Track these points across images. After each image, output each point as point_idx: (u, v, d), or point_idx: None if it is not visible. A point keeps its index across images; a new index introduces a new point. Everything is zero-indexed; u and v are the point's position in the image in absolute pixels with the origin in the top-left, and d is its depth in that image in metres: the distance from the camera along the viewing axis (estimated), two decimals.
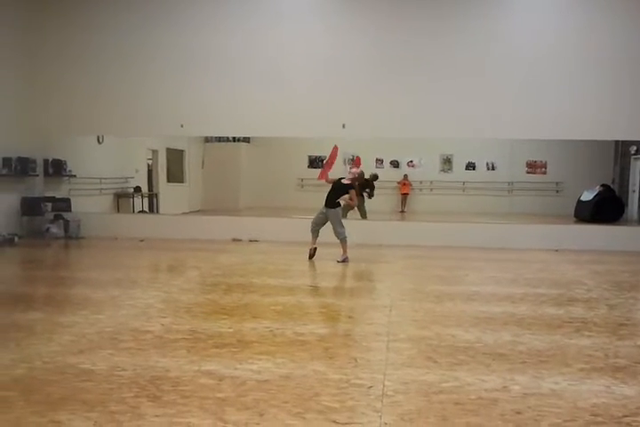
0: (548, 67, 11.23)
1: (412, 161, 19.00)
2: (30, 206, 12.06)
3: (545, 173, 18.52)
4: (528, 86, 11.30)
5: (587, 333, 5.06)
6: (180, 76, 12.01)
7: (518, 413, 3.30)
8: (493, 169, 18.73)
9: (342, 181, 9.17)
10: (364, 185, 13.12)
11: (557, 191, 18.01)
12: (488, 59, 11.39)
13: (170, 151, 17.21)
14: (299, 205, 14.33)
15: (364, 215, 13.30)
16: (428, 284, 7.43)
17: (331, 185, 9.23)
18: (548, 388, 3.68)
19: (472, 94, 11.36)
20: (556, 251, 10.75)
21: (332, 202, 9.08)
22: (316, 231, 9.24)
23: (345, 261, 8.93)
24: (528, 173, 18.54)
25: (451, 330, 5.04)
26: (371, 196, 13.93)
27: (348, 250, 9.05)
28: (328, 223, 9.12)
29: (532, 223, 12.89)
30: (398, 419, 3.18)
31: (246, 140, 18.70)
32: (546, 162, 18.49)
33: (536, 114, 11.23)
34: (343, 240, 9.07)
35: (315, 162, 18.65)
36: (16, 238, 11.08)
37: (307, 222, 11.96)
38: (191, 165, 18.14)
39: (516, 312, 5.80)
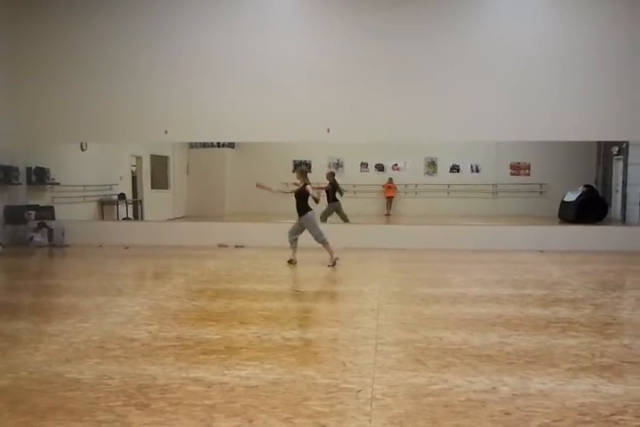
0: (533, 69, 11.36)
1: (396, 164, 19.04)
2: (13, 215, 11.97)
3: (529, 174, 18.61)
4: (512, 88, 11.40)
5: (573, 333, 5.09)
6: (164, 82, 11.99)
7: (507, 414, 3.31)
8: (478, 171, 18.80)
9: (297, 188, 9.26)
10: (334, 187, 13.10)
11: (541, 193, 18.10)
12: (473, 62, 11.48)
13: (154, 158, 17.12)
14: (284, 210, 14.19)
15: (345, 219, 13.18)
16: (415, 286, 7.45)
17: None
18: (535, 388, 3.70)
19: (456, 97, 11.44)
20: (541, 252, 10.82)
21: (301, 209, 9.16)
22: (294, 241, 9.32)
23: (335, 263, 8.94)
24: (512, 174, 18.63)
25: (438, 332, 5.05)
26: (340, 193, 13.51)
27: (334, 251, 9.06)
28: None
29: (516, 225, 12.95)
30: (388, 422, 3.18)
31: (231, 145, 18.64)
32: (529, 163, 18.60)
33: (520, 116, 11.33)
34: (324, 243, 9.11)
35: (300, 166, 18.63)
36: (0, 247, 10.98)
37: None
38: (176, 172, 18.05)
39: (503, 313, 5.82)
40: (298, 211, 9.23)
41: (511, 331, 5.12)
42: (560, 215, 15.51)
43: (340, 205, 13.12)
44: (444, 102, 11.46)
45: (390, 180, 18.78)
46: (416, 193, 18.70)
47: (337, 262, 8.96)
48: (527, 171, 18.74)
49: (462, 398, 3.52)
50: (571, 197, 15.40)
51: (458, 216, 15.32)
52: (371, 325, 5.33)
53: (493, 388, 3.70)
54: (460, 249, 11.01)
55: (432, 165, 19.06)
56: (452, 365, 4.16)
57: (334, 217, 12.99)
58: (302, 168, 9.43)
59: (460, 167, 18.90)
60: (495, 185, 18.41)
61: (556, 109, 11.30)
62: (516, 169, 18.77)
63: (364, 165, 18.93)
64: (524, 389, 3.69)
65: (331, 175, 13.51)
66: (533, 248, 11.01)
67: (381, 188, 18.66)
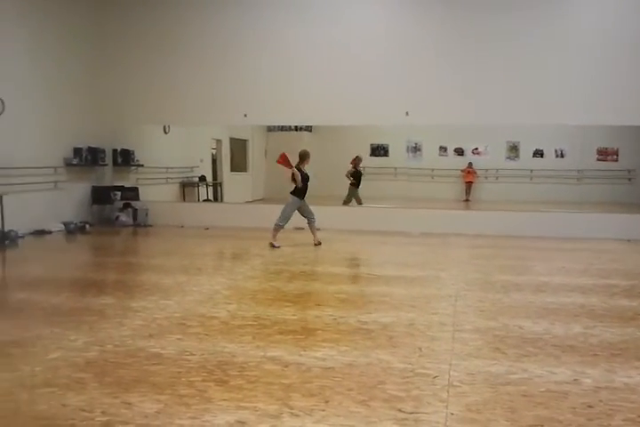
0: (621, 52, 10.78)
1: (476, 148, 18.62)
2: (100, 195, 12.45)
3: (616, 160, 17.83)
4: (599, 71, 10.88)
5: None
6: (244, 65, 12.12)
7: (589, 406, 3.20)
8: (562, 156, 18.15)
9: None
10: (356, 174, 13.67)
11: (629, 179, 17.33)
12: (560, 41, 11.00)
13: (233, 141, 17.41)
14: (361, 193, 14.26)
15: (347, 202, 13.52)
16: (495, 273, 7.29)
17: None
18: (620, 382, 3.56)
19: (541, 79, 11.03)
20: (629, 241, 10.37)
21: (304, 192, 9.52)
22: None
23: (273, 246, 9.23)
24: (599, 160, 17.89)
25: (518, 321, 4.93)
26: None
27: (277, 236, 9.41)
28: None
29: (602, 212, 12.45)
30: (465, 410, 3.13)
31: (308, 129, 18.71)
32: (617, 149, 17.82)
33: (607, 99, 10.81)
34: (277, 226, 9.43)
35: (377, 150, 18.52)
36: (87, 226, 11.48)
37: (371, 211, 11.99)
38: (254, 155, 18.31)
39: (587, 304, 5.63)
40: (304, 193, 9.45)
41: (595, 322, 4.94)
42: None
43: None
44: (527, 84, 11.07)
45: (470, 164, 18.41)
46: (497, 178, 18.26)
47: (274, 246, 9.22)
48: (615, 156, 17.95)
49: (542, 389, 3.43)
50: None
51: (540, 203, 14.86)
52: (448, 311, 5.26)
53: (575, 380, 3.59)
54: (542, 237, 10.69)
55: (514, 149, 18.53)
56: (532, 354, 4.06)
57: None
58: (301, 151, 9.46)
59: (544, 152, 18.30)
60: (580, 171, 17.74)
61: None
62: (603, 154, 18.01)
63: (443, 149, 18.61)
64: (609, 382, 3.56)
65: (357, 161, 14.03)
66: (620, 237, 10.54)
67: (460, 172, 18.33)
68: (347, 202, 13.54)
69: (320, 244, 9.51)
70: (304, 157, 9.44)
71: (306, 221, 9.66)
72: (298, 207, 9.48)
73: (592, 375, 3.66)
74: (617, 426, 2.98)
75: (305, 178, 9.39)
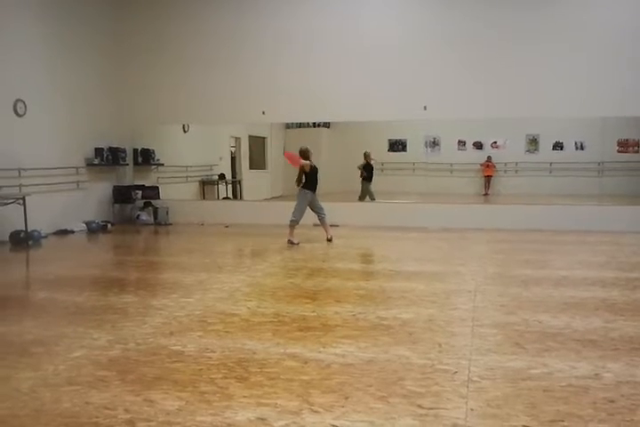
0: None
1: (495, 142, 18.46)
2: (121, 194, 12.59)
3: (638, 151, 17.60)
4: (619, 61, 10.75)
5: None
6: (261, 63, 12.16)
7: (611, 401, 3.18)
8: (582, 149, 17.94)
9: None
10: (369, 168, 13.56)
11: None
12: (577, 35, 10.88)
13: (252, 138, 17.44)
14: (379, 189, 14.22)
15: (362, 198, 13.40)
16: (514, 268, 7.25)
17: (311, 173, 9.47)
18: None
19: (559, 71, 10.94)
20: None
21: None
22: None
23: (292, 243, 9.26)
24: (620, 152, 17.65)
25: (538, 315, 4.90)
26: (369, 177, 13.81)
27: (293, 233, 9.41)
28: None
29: (624, 205, 12.31)
30: (485, 405, 3.13)
31: (326, 125, 18.69)
32: (639, 140, 17.57)
33: (628, 89, 10.68)
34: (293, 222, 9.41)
35: (395, 145, 18.43)
36: (109, 225, 11.61)
37: (389, 206, 11.96)
38: (273, 152, 18.32)
39: (608, 297, 5.58)
40: (314, 186, 9.47)
41: (616, 316, 4.90)
42: None
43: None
44: (545, 77, 10.98)
45: (489, 158, 18.27)
46: (516, 171, 18.12)
47: (292, 243, 9.26)
48: (636, 148, 17.71)
49: (563, 384, 3.41)
50: None
51: (561, 196, 14.74)
52: (467, 306, 5.25)
53: (596, 374, 3.57)
54: (562, 230, 10.60)
55: (533, 142, 18.35)
56: (552, 349, 4.04)
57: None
58: (302, 148, 9.50)
59: (564, 144, 18.11)
60: (601, 163, 17.53)
61: None
62: (624, 146, 17.76)
63: (462, 144, 18.47)
64: (630, 376, 3.53)
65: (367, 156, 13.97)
66: None
67: (479, 166, 18.20)
68: (362, 198, 13.50)
69: (331, 240, 9.51)
70: (306, 153, 9.49)
71: (317, 217, 9.68)
72: (309, 202, 9.46)
73: (613, 370, 3.64)
74: (639, 421, 2.96)
75: (314, 170, 9.42)
